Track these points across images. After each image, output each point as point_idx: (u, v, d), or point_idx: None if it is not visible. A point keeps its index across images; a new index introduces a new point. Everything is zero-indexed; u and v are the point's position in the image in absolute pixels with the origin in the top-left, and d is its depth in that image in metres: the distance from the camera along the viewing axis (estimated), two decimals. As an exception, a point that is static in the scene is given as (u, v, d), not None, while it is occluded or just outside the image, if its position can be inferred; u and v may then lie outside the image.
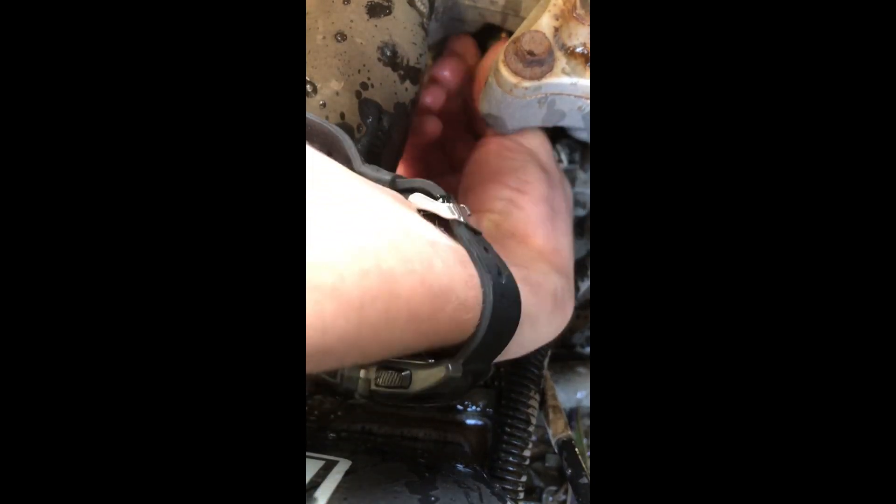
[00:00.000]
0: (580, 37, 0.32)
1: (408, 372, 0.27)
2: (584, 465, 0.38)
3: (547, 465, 0.49)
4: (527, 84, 0.32)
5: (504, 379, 0.41)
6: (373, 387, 0.27)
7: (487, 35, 0.45)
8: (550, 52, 0.32)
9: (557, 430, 0.40)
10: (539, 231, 0.36)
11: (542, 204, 0.37)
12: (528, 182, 0.37)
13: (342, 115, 0.34)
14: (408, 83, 0.37)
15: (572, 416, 0.48)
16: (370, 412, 0.39)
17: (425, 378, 0.26)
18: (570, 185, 0.43)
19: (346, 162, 0.28)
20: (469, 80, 0.43)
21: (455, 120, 0.44)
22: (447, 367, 0.26)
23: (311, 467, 0.28)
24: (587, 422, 0.48)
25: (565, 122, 0.38)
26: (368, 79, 0.35)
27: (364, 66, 0.35)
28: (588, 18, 0.31)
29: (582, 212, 0.48)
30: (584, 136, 0.42)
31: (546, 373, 0.42)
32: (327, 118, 0.33)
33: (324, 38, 0.34)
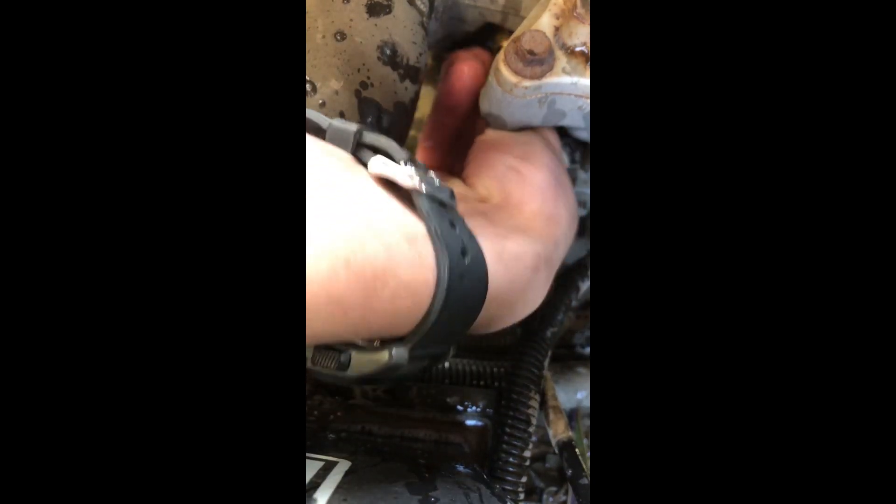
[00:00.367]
0: (581, 36, 0.32)
1: (347, 354, 0.25)
2: (584, 466, 0.38)
3: (547, 465, 0.49)
4: (527, 83, 0.32)
5: (504, 379, 0.41)
6: (309, 365, 0.25)
7: (487, 35, 0.45)
8: (551, 52, 0.32)
9: (558, 431, 0.40)
10: (537, 196, 0.33)
11: (544, 171, 0.35)
12: (534, 152, 0.35)
13: (342, 115, 0.34)
14: (408, 82, 0.37)
15: (572, 416, 0.48)
16: (370, 412, 0.39)
17: (365, 363, 0.24)
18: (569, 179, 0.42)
19: (315, 128, 0.26)
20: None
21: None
22: (391, 353, 0.24)
23: (311, 468, 0.28)
24: (587, 422, 0.48)
25: (565, 122, 0.38)
26: (368, 78, 0.35)
27: (364, 65, 0.35)
28: (588, 17, 0.31)
29: (582, 212, 0.48)
30: (585, 135, 0.41)
31: (546, 373, 0.42)
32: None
33: (323, 37, 0.34)
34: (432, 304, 0.24)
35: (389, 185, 0.25)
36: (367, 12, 0.35)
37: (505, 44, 0.33)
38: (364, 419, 0.39)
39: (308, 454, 0.29)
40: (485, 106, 0.37)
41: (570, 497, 0.44)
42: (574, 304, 0.45)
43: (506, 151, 0.35)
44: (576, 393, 0.48)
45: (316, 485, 0.26)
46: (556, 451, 0.40)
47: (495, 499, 0.29)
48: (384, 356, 0.24)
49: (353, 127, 0.26)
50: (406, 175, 0.24)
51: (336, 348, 0.25)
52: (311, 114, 0.27)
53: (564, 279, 0.45)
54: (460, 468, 0.32)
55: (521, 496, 0.38)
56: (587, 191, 0.48)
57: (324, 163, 0.23)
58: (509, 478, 0.37)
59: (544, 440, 0.44)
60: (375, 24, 0.35)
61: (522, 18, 0.40)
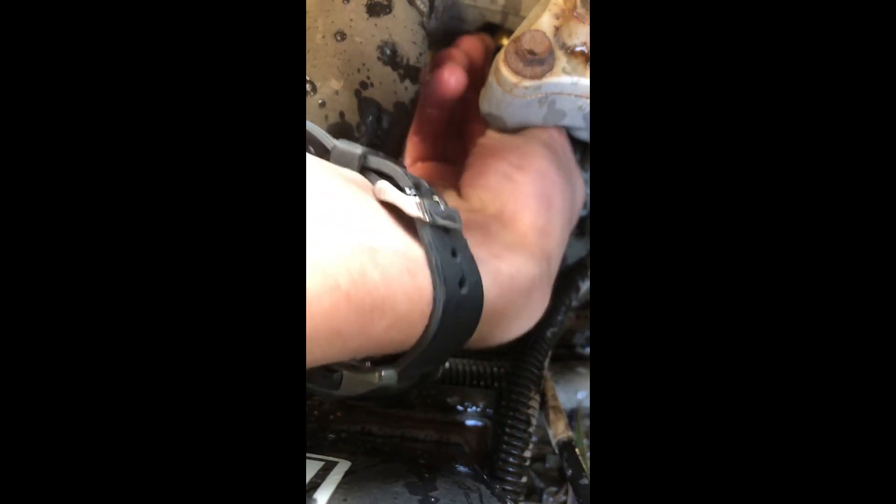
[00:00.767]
0: (581, 36, 0.32)
1: (338, 374, 0.25)
2: (584, 466, 0.38)
3: (547, 465, 0.49)
4: (527, 83, 0.32)
5: (504, 379, 0.41)
6: None
7: (488, 34, 0.45)
8: (551, 52, 0.32)
9: (558, 431, 0.40)
10: (531, 206, 0.33)
11: (539, 179, 0.34)
12: (528, 157, 0.35)
13: (341, 115, 0.34)
14: (407, 82, 0.37)
15: (572, 416, 0.48)
16: (370, 413, 0.39)
17: (356, 383, 0.25)
18: (577, 168, 0.40)
19: (318, 145, 0.26)
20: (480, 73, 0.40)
21: (473, 105, 0.42)
22: (380, 375, 0.24)
23: (311, 468, 0.28)
24: (587, 422, 0.48)
25: (566, 122, 0.38)
26: (368, 78, 0.35)
27: (364, 65, 0.35)
28: (588, 17, 0.31)
29: (582, 212, 0.48)
30: (585, 135, 0.41)
31: (546, 373, 0.42)
32: (327, 117, 0.33)
33: (323, 37, 0.34)
34: (425, 333, 0.24)
35: (393, 208, 0.25)
36: (367, 12, 0.35)
37: (505, 44, 0.33)
38: (364, 419, 0.39)
39: (308, 454, 0.29)
40: (485, 106, 0.37)
41: (570, 497, 0.44)
42: (574, 304, 0.45)
43: (501, 158, 0.35)
44: (576, 393, 0.48)
45: (316, 485, 0.26)
46: (556, 451, 0.40)
47: (495, 499, 0.29)
48: (374, 378, 0.24)
49: (357, 150, 0.26)
50: (412, 204, 0.24)
51: (328, 367, 0.25)
52: (318, 132, 0.27)
53: (564, 279, 0.45)
54: (460, 468, 0.32)
55: (522, 496, 0.38)
56: (587, 191, 0.48)
57: (330, 183, 0.23)
58: (509, 478, 0.37)
59: (544, 440, 0.44)
60: (375, 24, 0.35)
61: (522, 18, 0.40)
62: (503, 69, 0.32)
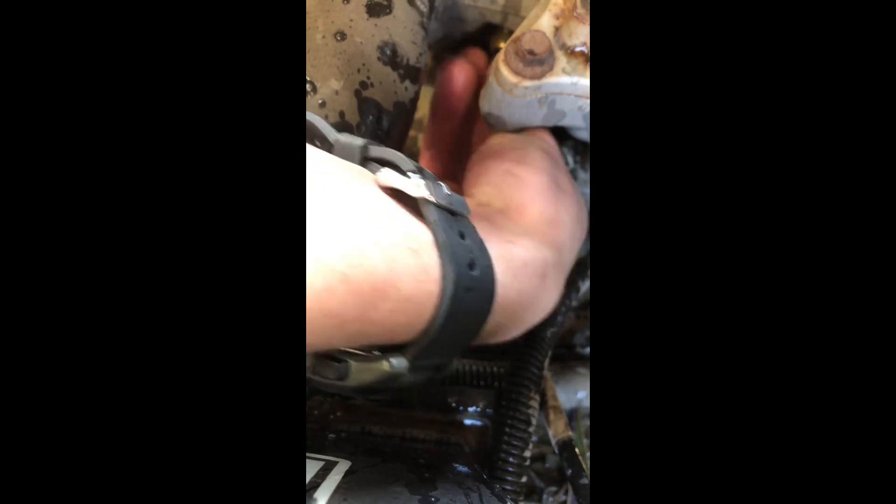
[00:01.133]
0: (580, 36, 0.32)
1: (345, 363, 0.24)
2: (584, 466, 0.38)
3: (547, 465, 0.49)
4: (527, 83, 0.32)
5: (504, 379, 0.41)
6: (309, 374, 0.25)
7: (488, 35, 0.45)
8: (551, 52, 0.32)
9: (558, 431, 0.40)
10: (537, 199, 0.33)
11: (542, 174, 0.34)
12: (529, 156, 0.35)
13: (341, 114, 0.34)
14: (407, 82, 0.37)
15: (572, 416, 0.48)
16: (370, 413, 0.39)
17: (364, 372, 0.24)
18: (575, 184, 0.41)
19: (322, 139, 0.26)
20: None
21: (484, 127, 0.42)
22: (390, 363, 0.24)
23: (311, 468, 0.28)
24: (587, 422, 0.48)
25: (565, 122, 0.38)
26: (368, 78, 0.35)
27: (364, 65, 0.35)
28: (588, 17, 0.31)
29: (585, 211, 0.48)
30: (585, 135, 0.42)
31: (546, 373, 0.42)
32: (327, 117, 0.33)
33: (323, 37, 0.34)
34: (435, 316, 0.23)
35: (398, 195, 0.24)
36: (367, 12, 0.35)
37: (505, 44, 0.33)
38: (364, 419, 0.39)
39: (308, 454, 0.29)
40: (485, 106, 0.37)
41: (570, 497, 0.44)
42: (574, 304, 0.45)
43: (502, 157, 0.35)
44: (576, 393, 0.48)
45: (316, 485, 0.26)
46: (556, 451, 0.40)
47: (495, 499, 0.29)
48: (383, 366, 0.24)
49: (358, 141, 0.26)
50: (414, 185, 0.24)
51: (335, 358, 0.25)
52: (322, 125, 0.26)
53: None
54: (460, 468, 0.32)
55: (522, 496, 0.38)
56: (587, 191, 0.48)
57: (330, 170, 0.23)
58: (509, 478, 0.37)
59: (544, 440, 0.44)
60: (375, 24, 0.35)
61: (522, 18, 0.40)
62: (503, 69, 0.32)
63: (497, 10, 0.42)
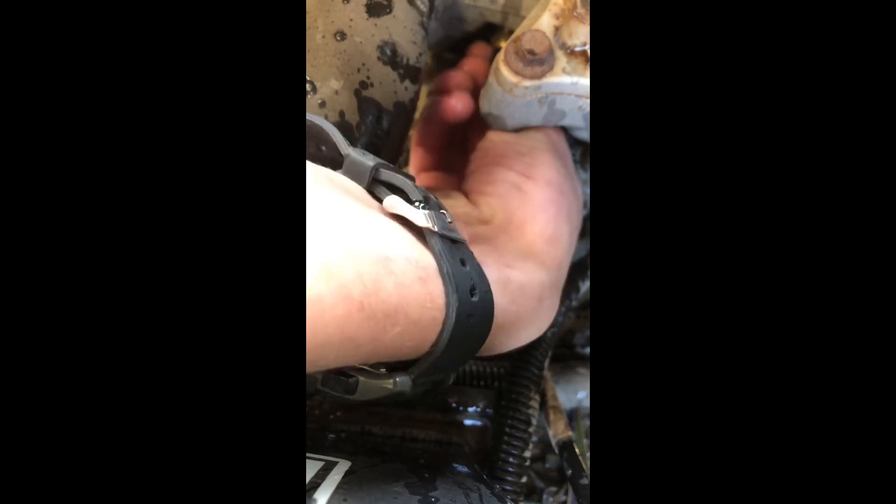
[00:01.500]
0: (581, 36, 0.32)
1: (354, 379, 0.25)
2: (584, 466, 0.38)
3: (547, 465, 0.49)
4: (527, 83, 0.32)
5: (504, 380, 0.41)
6: (318, 386, 0.26)
7: (488, 35, 0.45)
8: (551, 52, 0.32)
9: (558, 431, 0.40)
10: (539, 217, 0.33)
11: (547, 187, 0.34)
12: (536, 166, 0.35)
13: (341, 114, 0.34)
14: (407, 82, 0.37)
15: (572, 416, 0.48)
16: (370, 413, 0.39)
17: (372, 389, 0.25)
18: (575, 174, 0.40)
19: (334, 149, 0.27)
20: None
21: (480, 120, 0.42)
22: (394, 381, 0.25)
23: (311, 468, 0.28)
24: (587, 422, 0.48)
25: (566, 122, 0.38)
26: (368, 78, 0.35)
27: (363, 65, 0.35)
28: (588, 17, 0.31)
29: (582, 211, 0.48)
30: (585, 135, 0.42)
31: (546, 373, 0.42)
32: (326, 117, 0.33)
33: (323, 37, 0.34)
34: (438, 340, 0.25)
35: (402, 219, 0.25)
36: (367, 12, 0.35)
37: (505, 44, 0.33)
38: (364, 419, 0.39)
39: (308, 454, 0.29)
40: (485, 106, 0.37)
41: (570, 497, 0.44)
42: (574, 304, 0.45)
43: (508, 167, 0.35)
44: (576, 393, 0.48)
45: (316, 485, 0.26)
46: (556, 451, 0.40)
47: (495, 499, 0.29)
48: (389, 384, 0.25)
49: (370, 161, 0.26)
50: (421, 216, 0.25)
51: (344, 373, 0.26)
52: (336, 136, 0.27)
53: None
54: (460, 468, 0.32)
55: (522, 496, 0.38)
56: (587, 191, 0.48)
57: (338, 195, 0.24)
58: (509, 478, 0.37)
59: (544, 440, 0.44)
60: (375, 24, 0.35)
61: (522, 18, 0.40)
62: (503, 69, 0.32)
63: (497, 10, 0.42)
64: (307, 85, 0.33)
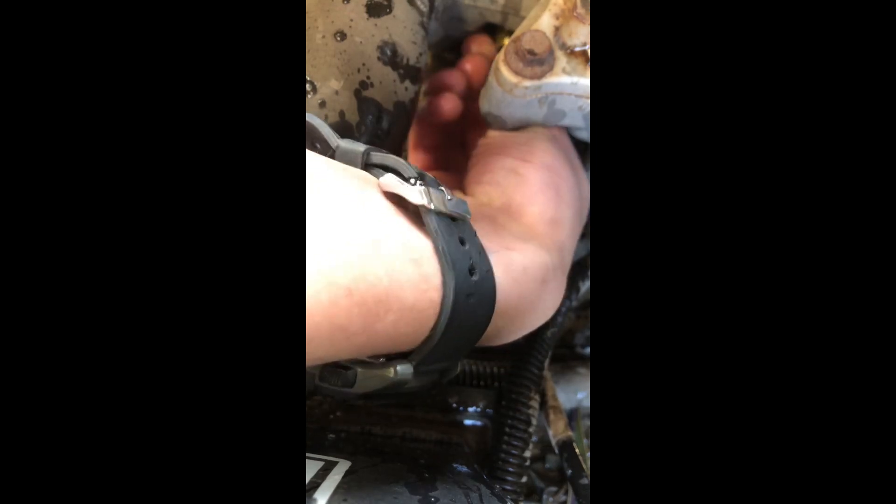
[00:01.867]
0: (581, 36, 0.32)
1: (352, 370, 0.25)
2: (584, 466, 0.38)
3: (547, 465, 0.49)
4: (527, 83, 0.32)
5: (504, 379, 0.41)
6: (317, 381, 0.26)
7: (488, 34, 0.45)
8: (551, 52, 0.32)
9: (558, 431, 0.40)
10: (538, 198, 0.33)
11: (545, 171, 0.34)
12: (533, 151, 0.35)
13: (341, 114, 0.34)
14: (407, 82, 0.37)
15: (572, 416, 0.48)
16: (370, 413, 0.39)
17: (370, 379, 0.25)
18: (581, 165, 0.40)
19: (324, 143, 0.26)
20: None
21: (478, 119, 0.42)
22: (395, 370, 0.24)
23: (311, 468, 0.28)
24: (587, 422, 0.48)
25: (565, 122, 0.38)
26: (368, 78, 0.35)
27: (364, 65, 0.35)
28: (588, 17, 0.31)
29: (588, 203, 0.48)
30: (585, 135, 0.42)
31: (546, 373, 0.42)
32: (326, 117, 0.33)
33: (323, 37, 0.34)
34: (437, 323, 0.24)
35: (399, 201, 0.25)
36: (367, 12, 0.35)
37: (505, 44, 0.33)
38: (364, 419, 0.39)
39: (308, 454, 0.29)
40: (485, 106, 0.37)
41: (570, 497, 0.44)
42: (574, 304, 0.45)
43: (505, 154, 0.35)
44: (576, 393, 0.48)
45: (316, 485, 0.26)
46: (556, 451, 0.40)
47: (495, 499, 0.29)
48: (389, 373, 0.24)
49: (360, 147, 0.26)
50: (416, 192, 0.24)
51: (342, 365, 0.25)
52: (325, 130, 0.26)
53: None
54: (460, 468, 0.32)
55: (521, 496, 0.38)
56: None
57: (329, 178, 0.23)
58: (509, 478, 0.37)
59: (544, 440, 0.44)
60: (375, 24, 0.35)
61: (522, 18, 0.40)
62: (503, 69, 0.32)
63: (497, 10, 0.42)
64: (307, 85, 0.33)
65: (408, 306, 0.23)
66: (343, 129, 0.33)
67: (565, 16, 0.32)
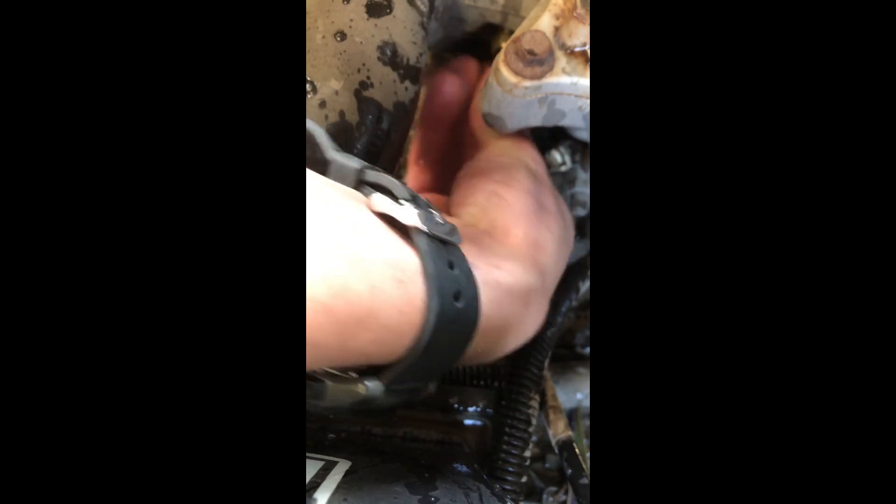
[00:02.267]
0: (581, 36, 0.32)
1: (322, 384, 0.24)
2: (584, 466, 0.38)
3: (547, 465, 0.49)
4: (527, 84, 0.32)
5: (504, 379, 0.41)
6: None
7: (488, 35, 0.45)
8: (551, 52, 0.32)
9: (558, 431, 0.40)
10: (521, 222, 0.33)
11: (526, 196, 0.34)
12: (514, 177, 0.35)
13: (341, 114, 0.34)
14: (408, 83, 0.37)
15: (572, 416, 0.48)
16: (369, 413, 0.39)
17: (340, 393, 0.24)
18: (563, 200, 0.40)
19: (320, 152, 0.26)
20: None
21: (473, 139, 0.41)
22: (365, 386, 0.24)
23: (311, 468, 0.28)
24: (587, 422, 0.48)
25: (565, 122, 0.38)
26: (368, 78, 0.35)
27: (364, 65, 0.35)
28: (588, 17, 0.31)
29: (582, 212, 0.48)
30: (585, 135, 0.42)
31: (546, 373, 0.42)
32: (326, 117, 0.33)
33: (323, 37, 0.34)
34: (415, 345, 0.23)
35: (389, 220, 0.24)
36: (367, 12, 0.35)
37: (505, 44, 0.33)
38: (364, 419, 0.39)
39: (308, 454, 0.29)
40: (485, 106, 0.37)
41: (570, 497, 0.44)
42: (574, 304, 0.45)
43: (486, 177, 0.35)
44: (575, 393, 0.48)
45: (316, 485, 0.26)
46: (556, 451, 0.40)
47: (495, 498, 0.29)
48: (360, 389, 0.24)
49: (355, 164, 0.26)
50: (406, 213, 0.24)
51: (312, 377, 0.25)
52: (322, 139, 0.26)
53: (564, 279, 0.45)
54: (460, 468, 0.32)
55: (521, 496, 0.38)
56: (587, 191, 0.48)
57: (318, 193, 0.23)
58: (509, 478, 0.37)
59: (544, 440, 0.44)
60: (375, 25, 0.35)
61: (522, 18, 0.40)
62: (503, 69, 0.32)
63: (497, 10, 0.42)
64: (307, 85, 0.33)
65: (387, 327, 0.23)
66: (343, 130, 0.33)
67: (565, 16, 0.32)
